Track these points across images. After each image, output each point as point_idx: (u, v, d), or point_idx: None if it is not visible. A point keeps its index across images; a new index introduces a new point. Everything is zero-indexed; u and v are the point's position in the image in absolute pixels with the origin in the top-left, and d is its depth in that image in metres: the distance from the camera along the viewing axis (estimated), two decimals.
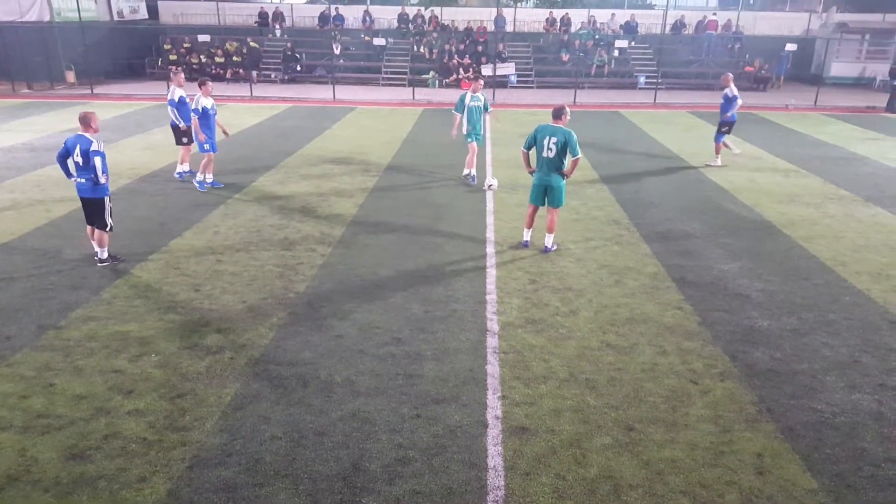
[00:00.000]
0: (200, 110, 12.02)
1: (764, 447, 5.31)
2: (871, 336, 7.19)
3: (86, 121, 8.40)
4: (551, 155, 8.94)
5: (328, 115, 21.97)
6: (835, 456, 5.23)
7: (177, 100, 12.56)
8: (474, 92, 12.88)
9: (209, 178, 12.68)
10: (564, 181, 9.17)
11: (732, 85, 14.84)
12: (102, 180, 8.36)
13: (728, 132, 15.08)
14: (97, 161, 8.24)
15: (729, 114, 14.78)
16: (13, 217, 10.75)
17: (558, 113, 9.00)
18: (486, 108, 13.03)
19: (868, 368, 6.53)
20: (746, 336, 7.15)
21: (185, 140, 12.84)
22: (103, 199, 8.54)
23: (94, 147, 8.25)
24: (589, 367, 6.46)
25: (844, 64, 32.26)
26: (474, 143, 13.11)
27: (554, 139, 8.86)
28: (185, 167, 13.21)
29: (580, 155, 8.97)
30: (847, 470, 5.08)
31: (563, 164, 9.01)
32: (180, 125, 12.67)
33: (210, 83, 12.43)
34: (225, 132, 12.86)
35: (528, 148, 9.30)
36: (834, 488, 4.88)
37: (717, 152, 15.22)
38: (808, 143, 18.25)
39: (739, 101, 14.84)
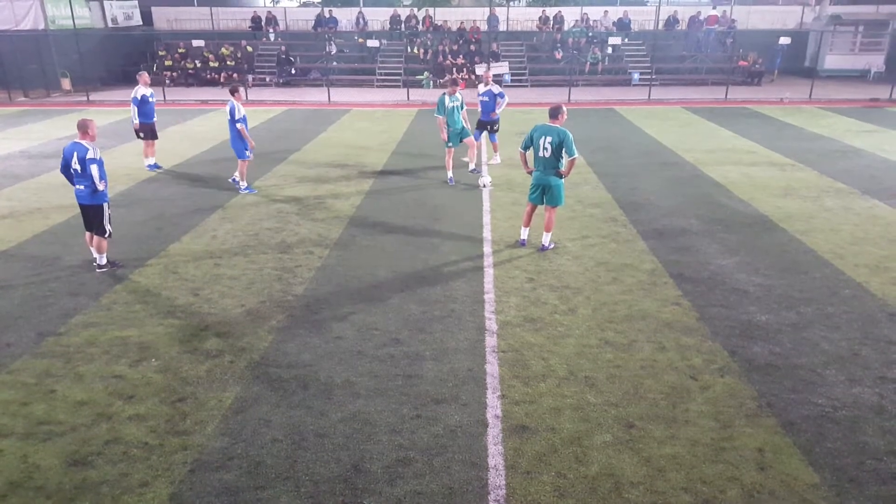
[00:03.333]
0: (242, 118, 12.10)
1: (765, 442, 5.32)
2: (871, 329, 7.20)
3: (83, 128, 8.40)
4: (547, 155, 8.93)
5: (323, 118, 21.97)
6: (836, 450, 5.24)
7: (139, 98, 13.88)
8: (452, 94, 12.90)
9: (242, 182, 12.94)
10: (562, 180, 9.16)
11: (493, 83, 14.49)
12: (101, 187, 8.35)
13: (497, 130, 14.72)
14: (93, 169, 8.23)
15: (496, 112, 14.28)
16: (11, 225, 10.74)
17: (555, 112, 8.97)
18: (462, 107, 13.07)
19: (868, 361, 6.54)
20: (745, 331, 7.16)
21: (142, 135, 14.44)
22: (102, 206, 8.53)
23: (89, 155, 8.24)
24: (588, 365, 6.47)
25: (838, 56, 32.28)
26: (453, 149, 13.22)
27: (549, 139, 8.85)
28: (152, 160, 14.66)
29: (577, 155, 8.94)
30: (849, 464, 5.08)
31: (559, 163, 8.99)
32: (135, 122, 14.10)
33: (242, 89, 12.58)
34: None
35: (525, 148, 9.29)
36: (836, 483, 4.88)
37: (496, 150, 15.12)
38: (804, 136, 18.26)
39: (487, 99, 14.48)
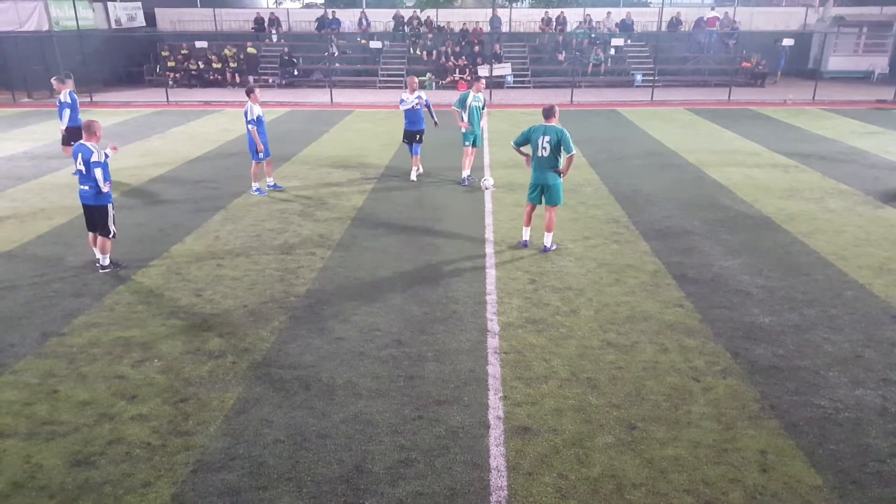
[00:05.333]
0: (255, 119, 12.04)
1: (767, 444, 5.31)
2: (874, 331, 7.18)
3: (89, 129, 8.44)
4: (545, 154, 8.98)
5: (326, 119, 21.99)
6: (839, 452, 5.22)
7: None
8: (476, 92, 12.97)
9: (269, 180, 13.00)
10: (561, 179, 9.19)
11: (419, 90, 13.49)
12: (105, 189, 8.38)
13: (422, 141, 13.81)
14: (97, 172, 8.26)
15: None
16: (15, 225, 10.77)
17: (550, 112, 9.08)
18: (483, 107, 13.18)
19: (871, 363, 6.52)
20: (748, 333, 7.15)
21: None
22: (106, 207, 8.57)
23: (94, 158, 8.25)
24: (590, 366, 6.46)
25: (842, 58, 32.23)
26: (470, 148, 13.21)
27: (547, 138, 8.91)
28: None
29: (574, 152, 8.98)
30: (852, 466, 5.07)
31: (557, 162, 9.03)
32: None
33: (258, 90, 12.50)
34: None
35: (518, 144, 9.33)
36: (839, 485, 4.87)
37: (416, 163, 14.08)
38: (807, 137, 18.24)
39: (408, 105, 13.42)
